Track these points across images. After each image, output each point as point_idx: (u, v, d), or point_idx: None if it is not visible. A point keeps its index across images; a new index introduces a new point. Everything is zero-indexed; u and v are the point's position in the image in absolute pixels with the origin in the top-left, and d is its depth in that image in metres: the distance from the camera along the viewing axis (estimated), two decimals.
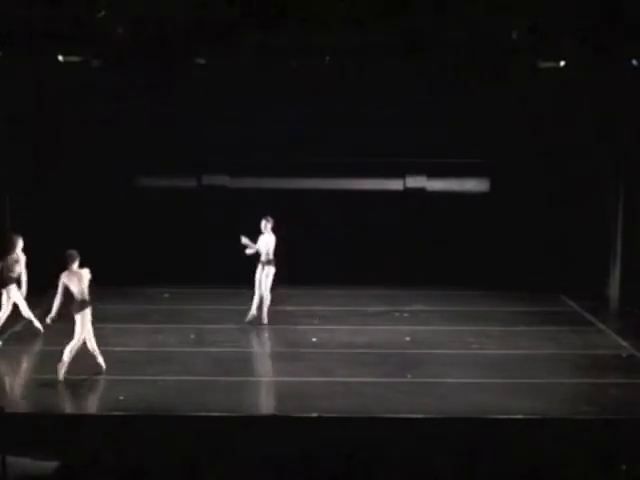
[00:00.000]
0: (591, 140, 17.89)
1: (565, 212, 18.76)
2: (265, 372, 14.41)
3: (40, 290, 17.94)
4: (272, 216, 16.03)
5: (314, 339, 15.28)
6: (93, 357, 13.34)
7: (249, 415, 11.92)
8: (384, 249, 19.10)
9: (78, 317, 13.20)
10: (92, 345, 13.31)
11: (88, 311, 13.31)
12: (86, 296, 13.35)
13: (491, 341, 15.36)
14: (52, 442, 10.69)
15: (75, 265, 13.55)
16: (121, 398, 12.31)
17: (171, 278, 18.66)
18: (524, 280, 18.57)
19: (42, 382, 13.06)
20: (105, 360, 13.98)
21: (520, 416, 11.86)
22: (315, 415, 11.73)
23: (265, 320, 15.98)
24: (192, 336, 15.41)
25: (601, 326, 16.34)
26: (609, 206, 17.48)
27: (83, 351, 14.37)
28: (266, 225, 15.91)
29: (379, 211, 19.25)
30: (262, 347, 14.86)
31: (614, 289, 17.46)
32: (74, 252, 13.51)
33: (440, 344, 15.19)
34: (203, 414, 11.69)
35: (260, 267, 15.93)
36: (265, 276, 15.86)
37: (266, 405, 12.92)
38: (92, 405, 12.52)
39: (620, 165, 17.16)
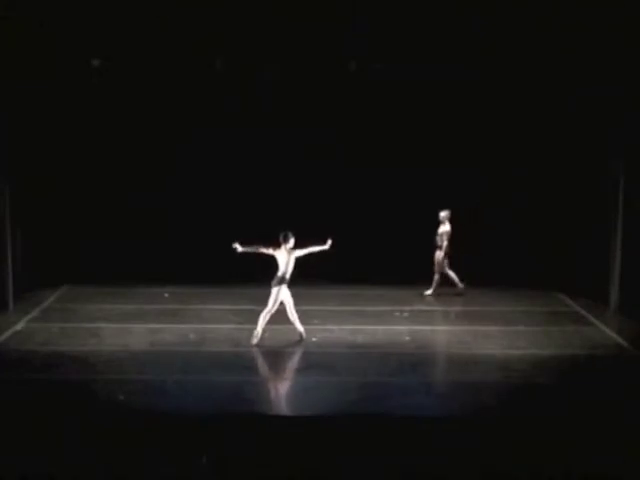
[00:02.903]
0: (591, 139, 17.92)
1: (565, 212, 18.78)
2: (265, 372, 14.40)
3: (44, 286, 18.12)
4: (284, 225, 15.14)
5: (314, 339, 15.28)
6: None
7: (249, 415, 11.91)
8: (385, 249, 19.12)
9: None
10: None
11: (284, 287, 14.75)
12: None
13: (491, 341, 15.36)
14: (50, 443, 10.71)
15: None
16: (121, 398, 12.32)
17: (171, 278, 18.67)
18: (524, 280, 18.61)
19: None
20: (105, 360, 14.04)
21: (520, 416, 11.90)
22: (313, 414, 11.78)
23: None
24: (192, 336, 15.41)
25: (601, 326, 16.34)
26: (609, 205, 17.47)
27: (98, 349, 14.46)
28: (286, 241, 14.77)
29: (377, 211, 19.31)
30: (262, 347, 14.83)
31: (614, 289, 17.44)
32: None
33: (440, 344, 15.20)
34: (203, 414, 11.71)
35: (284, 287, 14.81)
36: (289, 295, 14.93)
37: (266, 405, 12.90)
38: (92, 405, 12.46)
39: (620, 164, 17.15)
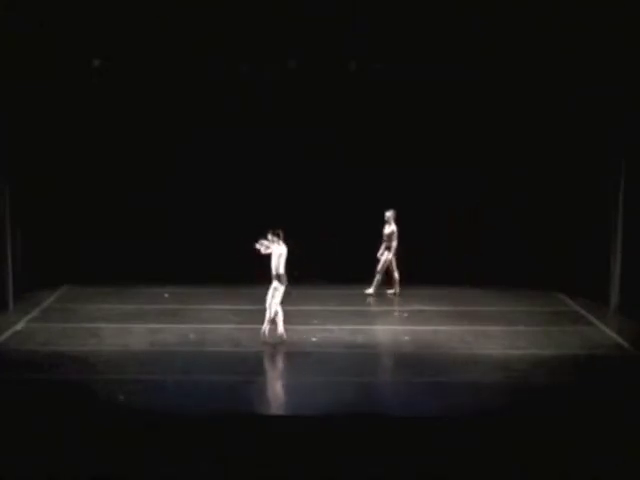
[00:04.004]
0: (591, 139, 17.93)
1: (565, 212, 18.78)
2: (265, 372, 14.39)
3: (44, 286, 18.12)
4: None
5: (314, 339, 15.28)
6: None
7: (249, 415, 11.92)
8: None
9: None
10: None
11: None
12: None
13: (491, 341, 15.36)
14: (50, 443, 10.72)
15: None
16: (121, 398, 12.33)
17: (171, 278, 18.67)
18: (524, 280, 18.61)
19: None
20: (105, 360, 14.04)
21: (520, 416, 11.90)
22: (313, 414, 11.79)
23: (284, 336, 15.01)
24: (192, 336, 15.41)
25: (601, 326, 16.34)
26: (609, 205, 17.48)
27: (98, 349, 14.46)
28: (273, 238, 14.80)
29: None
30: (262, 347, 14.83)
31: (614, 289, 17.44)
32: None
33: (440, 344, 15.20)
34: (203, 414, 11.72)
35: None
36: (273, 290, 14.90)
37: (266, 405, 12.91)
38: (92, 405, 12.46)
39: (621, 164, 17.15)
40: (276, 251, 14.81)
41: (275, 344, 14.84)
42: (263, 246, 14.86)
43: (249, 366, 14.05)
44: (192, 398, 12.48)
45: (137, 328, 15.88)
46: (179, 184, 19.27)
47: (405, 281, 18.59)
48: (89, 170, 19.06)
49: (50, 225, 18.55)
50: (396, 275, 18.32)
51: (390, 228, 18.18)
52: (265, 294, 14.98)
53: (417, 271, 18.71)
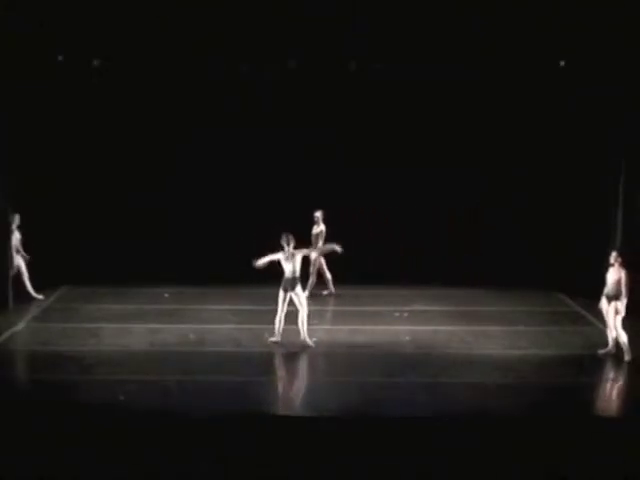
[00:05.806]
0: (591, 139, 17.94)
1: (565, 212, 18.78)
2: (265, 372, 14.38)
3: (44, 286, 18.11)
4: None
5: (314, 339, 15.27)
6: None
7: (249, 415, 11.92)
8: (385, 249, 19.15)
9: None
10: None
11: (295, 290, 14.66)
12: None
13: (491, 341, 15.37)
14: (50, 443, 10.71)
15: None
16: (121, 398, 12.32)
17: (171, 278, 18.66)
18: (524, 280, 18.60)
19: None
20: (105, 360, 14.04)
21: (520, 416, 11.90)
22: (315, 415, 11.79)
23: (310, 342, 14.99)
24: (192, 336, 15.41)
25: (601, 326, 16.32)
26: (609, 205, 17.48)
27: (98, 349, 14.46)
28: (288, 244, 14.68)
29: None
30: (262, 347, 14.83)
31: None
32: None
33: (440, 344, 15.20)
34: (203, 414, 11.72)
35: (296, 289, 14.82)
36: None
37: (267, 405, 12.90)
38: (92, 405, 12.46)
39: (621, 164, 17.16)
40: (282, 256, 14.75)
41: (303, 346, 14.86)
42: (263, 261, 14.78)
43: (249, 366, 14.05)
44: (192, 398, 12.48)
45: (137, 328, 15.88)
46: (179, 184, 19.27)
47: (405, 281, 18.63)
48: (89, 170, 19.07)
49: (50, 225, 18.54)
50: (328, 275, 18.25)
51: (318, 228, 18.08)
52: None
53: (417, 271, 18.75)
